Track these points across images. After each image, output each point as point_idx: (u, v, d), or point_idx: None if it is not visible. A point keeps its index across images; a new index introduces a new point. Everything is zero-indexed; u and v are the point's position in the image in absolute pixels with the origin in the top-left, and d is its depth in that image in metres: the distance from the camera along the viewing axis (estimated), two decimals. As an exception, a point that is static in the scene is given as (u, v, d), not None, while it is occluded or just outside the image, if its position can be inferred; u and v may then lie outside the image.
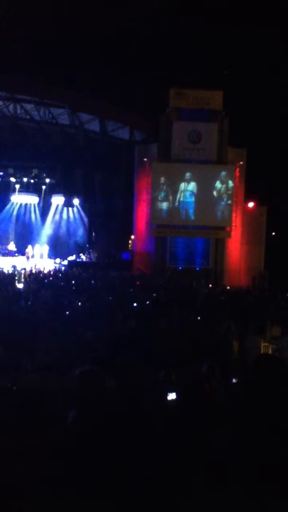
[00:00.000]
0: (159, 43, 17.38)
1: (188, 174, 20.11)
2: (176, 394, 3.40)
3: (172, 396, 3.45)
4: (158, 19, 16.75)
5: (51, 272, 17.64)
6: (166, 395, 3.48)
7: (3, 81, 20.42)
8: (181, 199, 20.19)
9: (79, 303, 9.92)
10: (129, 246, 22.70)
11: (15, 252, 23.18)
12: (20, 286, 13.63)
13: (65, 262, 22.39)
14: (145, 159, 20.57)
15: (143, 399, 3.02)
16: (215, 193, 20.12)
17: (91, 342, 6.16)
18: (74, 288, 12.85)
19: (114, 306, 9.49)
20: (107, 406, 2.28)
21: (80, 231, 25.10)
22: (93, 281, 14.62)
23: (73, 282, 14.21)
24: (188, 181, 20.14)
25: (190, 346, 6.48)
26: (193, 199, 20.20)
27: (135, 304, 10.10)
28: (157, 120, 20.41)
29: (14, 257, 22.34)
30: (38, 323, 7.30)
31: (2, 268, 18.39)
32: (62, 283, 13.89)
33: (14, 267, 18.83)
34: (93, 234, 24.69)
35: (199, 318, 8.93)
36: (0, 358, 4.96)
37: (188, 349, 6.31)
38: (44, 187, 25.06)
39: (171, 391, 3.50)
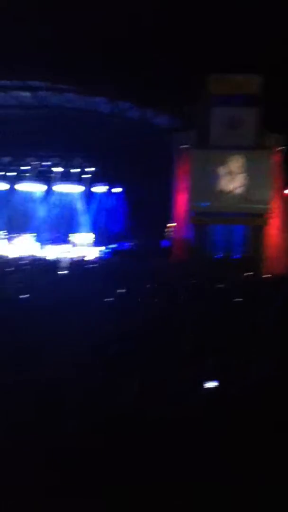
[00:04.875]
0: (196, 27, 17.30)
1: (227, 161, 20.03)
2: (217, 382, 3.44)
3: (211, 384, 3.45)
4: (194, 2, 16.66)
5: (94, 260, 18.27)
6: (205, 383, 3.48)
7: (44, 72, 20.90)
8: (221, 186, 20.18)
9: (120, 291, 10.37)
10: (169, 233, 22.94)
11: (60, 240, 24.05)
12: (64, 273, 14.28)
13: (108, 250, 23.02)
14: (184, 146, 20.60)
15: (180, 390, 3.13)
16: (254, 179, 19.96)
17: (128, 329, 6.52)
18: (115, 275, 13.31)
19: (153, 293, 9.86)
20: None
21: (121, 219, 25.58)
22: (133, 269, 15.04)
23: (114, 269, 14.71)
24: (227, 168, 20.07)
25: (228, 333, 6.67)
26: (233, 185, 20.13)
27: (173, 291, 10.41)
28: (195, 106, 20.35)
29: (59, 245, 23.22)
30: (81, 311, 7.76)
31: (47, 256, 19.22)
32: (103, 271, 14.43)
33: (58, 254, 19.61)
34: (134, 222, 25.09)
35: (236, 305, 9.09)
36: (42, 348, 5.21)
37: (226, 336, 6.52)
38: (86, 176, 25.64)
39: (211, 380, 3.50)
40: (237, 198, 20.09)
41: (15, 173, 25.69)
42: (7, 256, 19.14)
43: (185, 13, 17.01)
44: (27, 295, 9.12)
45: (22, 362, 4.06)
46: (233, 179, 20.06)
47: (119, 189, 25.19)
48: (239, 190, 20.03)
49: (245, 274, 13.41)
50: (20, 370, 3.66)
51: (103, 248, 23.62)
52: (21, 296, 8.99)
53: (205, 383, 3.46)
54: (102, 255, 21.66)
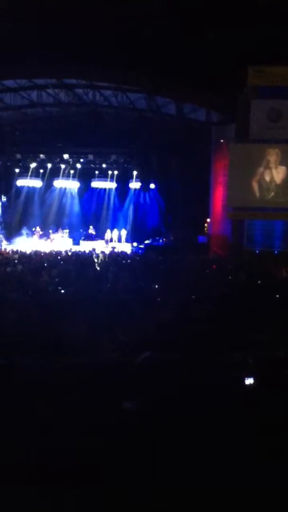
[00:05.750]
0: (235, 19, 16.84)
1: (267, 154, 19.45)
2: (254, 379, 3.36)
3: (249, 381, 3.38)
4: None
5: (128, 255, 18.15)
6: (244, 380, 3.39)
7: (82, 69, 20.93)
8: (260, 181, 19.64)
9: (156, 286, 10.15)
10: (206, 229, 22.60)
11: (94, 236, 24.12)
12: (98, 268, 14.19)
13: (142, 246, 22.88)
14: (222, 141, 20.18)
15: (218, 383, 2.96)
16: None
17: (167, 323, 6.31)
18: (150, 271, 13.12)
19: (190, 290, 9.58)
20: (169, 395, 2.29)
21: (157, 215, 25.42)
22: (168, 264, 14.82)
23: (149, 265, 14.52)
24: (268, 162, 19.50)
25: (267, 330, 6.39)
26: (273, 180, 19.56)
27: (211, 287, 10.11)
28: (234, 99, 19.88)
29: (94, 241, 23.28)
30: (118, 304, 7.61)
31: (84, 251, 19.24)
32: (139, 266, 14.25)
33: (93, 250, 19.61)
34: (170, 217, 24.86)
35: (277, 303, 8.76)
36: (83, 337, 5.21)
37: (266, 333, 6.23)
38: (121, 172, 25.57)
39: (248, 376, 3.41)
40: (277, 192, 19.50)
41: (51, 170, 25.90)
42: (43, 252, 19.26)
43: (223, 4, 16.58)
44: (63, 290, 9.06)
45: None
46: (273, 173, 19.47)
47: (154, 185, 24.98)
48: (279, 185, 19.43)
49: (285, 269, 12.92)
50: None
51: (137, 244, 23.50)
52: (60, 291, 8.96)
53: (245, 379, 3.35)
54: (137, 251, 21.52)
